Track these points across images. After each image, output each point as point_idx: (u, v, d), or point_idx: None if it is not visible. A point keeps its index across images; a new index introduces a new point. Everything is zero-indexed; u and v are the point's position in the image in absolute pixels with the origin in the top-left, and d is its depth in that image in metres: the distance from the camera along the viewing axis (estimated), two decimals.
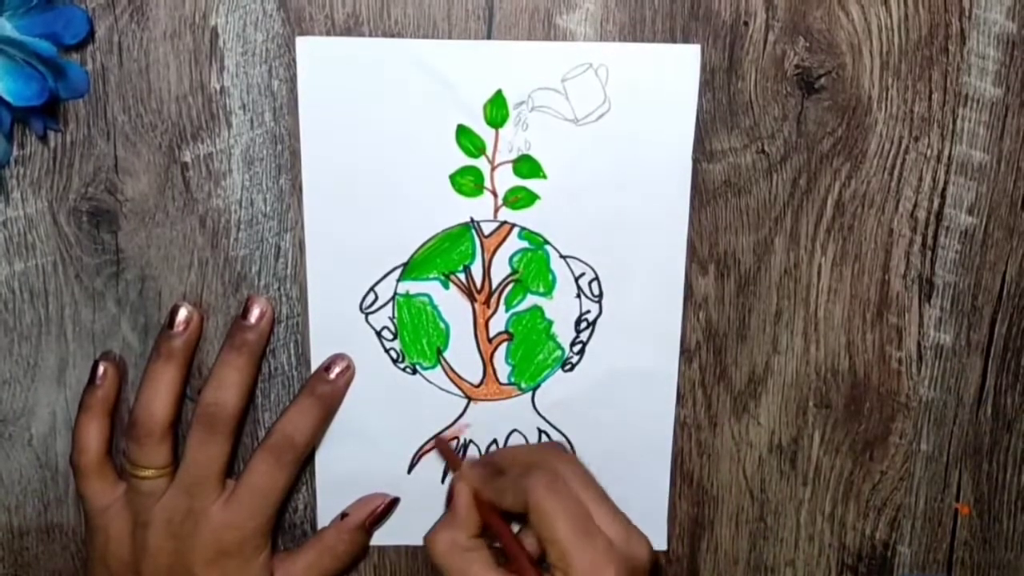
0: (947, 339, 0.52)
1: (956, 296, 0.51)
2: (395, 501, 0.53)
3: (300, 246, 0.49)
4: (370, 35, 0.47)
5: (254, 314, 0.50)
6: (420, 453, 0.53)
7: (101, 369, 0.50)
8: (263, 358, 0.51)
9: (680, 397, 0.52)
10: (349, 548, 0.52)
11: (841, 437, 0.53)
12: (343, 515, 0.52)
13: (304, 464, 0.51)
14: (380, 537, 0.54)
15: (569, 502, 0.46)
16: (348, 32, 0.47)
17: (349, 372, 0.51)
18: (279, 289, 0.50)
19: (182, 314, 0.49)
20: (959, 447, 0.54)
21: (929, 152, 0.49)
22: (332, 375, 0.51)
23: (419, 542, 0.54)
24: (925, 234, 0.50)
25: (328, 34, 0.47)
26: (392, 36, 0.47)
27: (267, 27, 0.47)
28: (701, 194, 0.49)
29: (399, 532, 0.54)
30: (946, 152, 0.49)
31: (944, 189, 0.50)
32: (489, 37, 0.47)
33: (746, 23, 0.47)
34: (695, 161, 0.49)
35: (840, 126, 0.49)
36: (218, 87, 0.47)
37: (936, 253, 0.51)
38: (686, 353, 0.52)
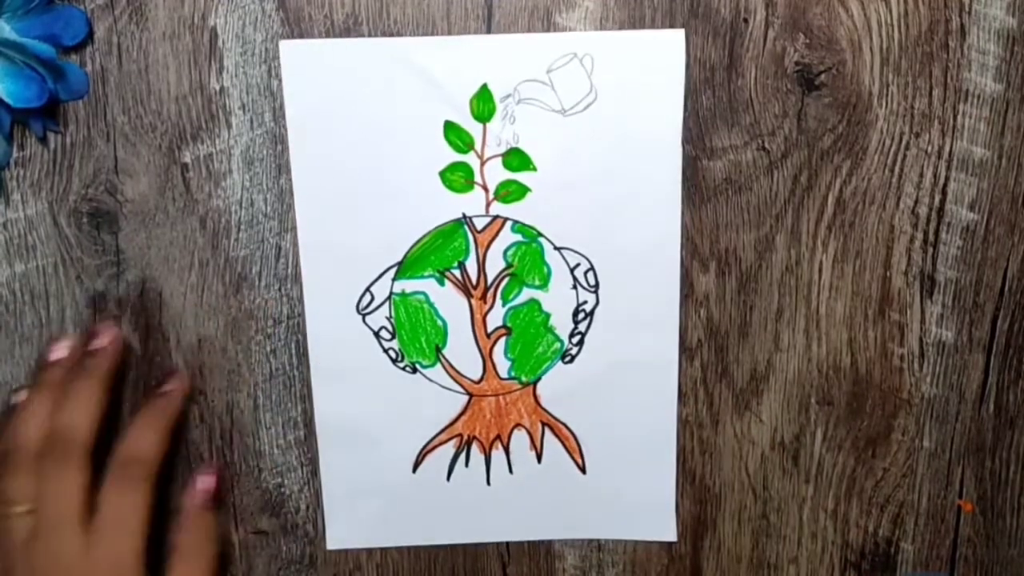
0: (949, 335, 0.52)
1: (958, 292, 0.51)
2: (222, 468, 0.51)
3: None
4: (369, 35, 0.47)
5: (100, 340, 0.48)
6: (424, 452, 0.53)
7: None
8: (115, 382, 0.49)
9: (682, 395, 0.52)
10: (202, 536, 0.49)
11: (843, 434, 0.53)
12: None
13: (159, 485, 0.47)
14: (384, 538, 0.54)
15: None
16: (347, 32, 0.47)
17: (181, 384, 0.50)
18: (280, 289, 0.50)
19: (57, 347, 0.48)
20: (962, 444, 0.53)
21: (930, 148, 0.49)
22: (164, 389, 0.49)
23: (423, 543, 0.54)
24: (926, 230, 0.50)
25: (327, 34, 0.47)
26: (391, 36, 0.47)
27: (266, 27, 0.47)
28: (702, 191, 0.49)
29: (403, 532, 0.54)
30: (947, 148, 0.49)
31: (945, 185, 0.50)
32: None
33: (746, 20, 0.47)
34: (695, 158, 0.49)
35: (841, 123, 0.49)
36: (217, 87, 0.47)
37: (937, 249, 0.51)
38: (688, 351, 0.52)
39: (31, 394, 0.47)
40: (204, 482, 0.50)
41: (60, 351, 0.48)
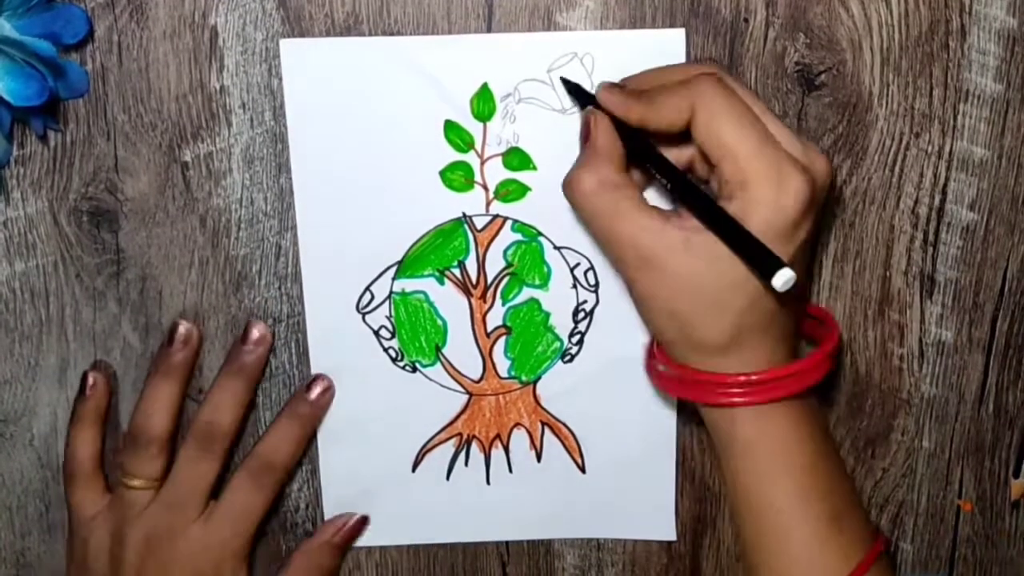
0: (949, 336, 0.52)
1: (958, 292, 0.51)
2: (364, 520, 0.53)
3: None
4: (370, 34, 0.47)
5: (253, 337, 0.50)
6: (424, 451, 0.53)
7: (91, 380, 0.49)
8: (260, 381, 0.51)
9: None
10: (320, 566, 0.52)
11: (843, 434, 0.53)
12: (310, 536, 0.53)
13: (284, 486, 0.51)
14: (384, 536, 0.54)
15: (744, 107, 0.40)
16: (348, 31, 0.47)
17: (329, 392, 0.51)
18: (280, 288, 0.50)
19: (181, 331, 0.49)
20: (961, 444, 0.53)
21: (930, 148, 0.49)
22: (313, 395, 0.50)
23: (422, 541, 0.54)
24: (926, 230, 0.50)
25: (328, 33, 0.47)
26: (392, 35, 0.47)
27: (267, 26, 0.47)
28: None
29: (403, 531, 0.54)
30: (947, 148, 0.49)
31: (945, 185, 0.50)
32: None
33: (746, 20, 0.47)
34: None
35: (841, 123, 0.49)
36: (218, 86, 0.47)
37: (937, 249, 0.51)
38: None
39: (158, 378, 0.49)
40: (342, 521, 0.52)
41: (179, 340, 0.49)
